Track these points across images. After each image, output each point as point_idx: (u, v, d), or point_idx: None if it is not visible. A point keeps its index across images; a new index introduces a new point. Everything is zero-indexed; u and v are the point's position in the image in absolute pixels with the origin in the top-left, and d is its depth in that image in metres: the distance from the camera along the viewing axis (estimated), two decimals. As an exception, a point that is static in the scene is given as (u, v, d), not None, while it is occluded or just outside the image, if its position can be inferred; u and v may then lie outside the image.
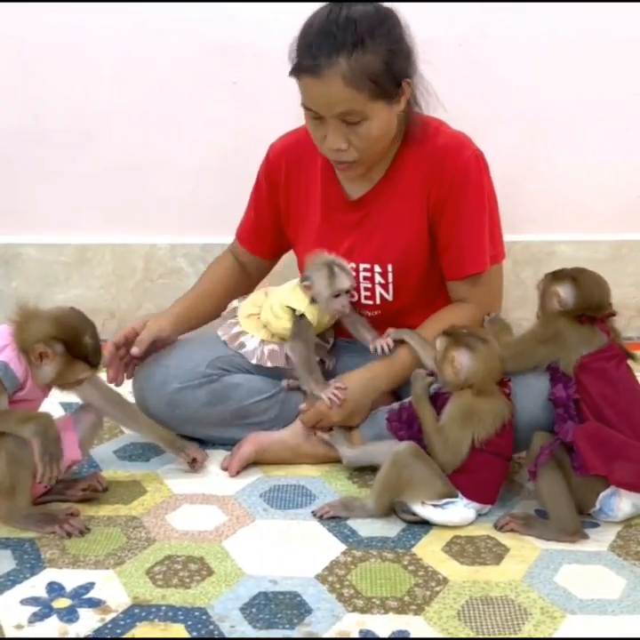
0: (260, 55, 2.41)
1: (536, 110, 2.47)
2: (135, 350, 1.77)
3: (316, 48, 1.59)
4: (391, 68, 1.62)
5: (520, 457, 1.76)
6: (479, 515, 1.56)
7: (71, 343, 1.52)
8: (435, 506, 1.51)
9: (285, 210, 1.89)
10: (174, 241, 2.59)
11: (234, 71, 2.46)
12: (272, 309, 1.79)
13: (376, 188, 1.78)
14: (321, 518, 1.56)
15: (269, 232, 1.94)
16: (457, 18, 2.41)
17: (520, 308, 2.56)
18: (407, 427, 1.60)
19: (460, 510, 1.52)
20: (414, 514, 1.53)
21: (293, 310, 1.76)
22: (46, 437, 1.47)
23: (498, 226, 1.81)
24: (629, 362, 1.62)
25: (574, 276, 1.61)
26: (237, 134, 2.45)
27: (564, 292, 1.60)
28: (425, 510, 1.52)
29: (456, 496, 1.52)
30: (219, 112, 2.49)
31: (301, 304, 1.75)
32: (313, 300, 1.75)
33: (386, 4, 1.67)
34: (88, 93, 2.50)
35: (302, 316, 1.75)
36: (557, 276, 1.63)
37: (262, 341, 1.80)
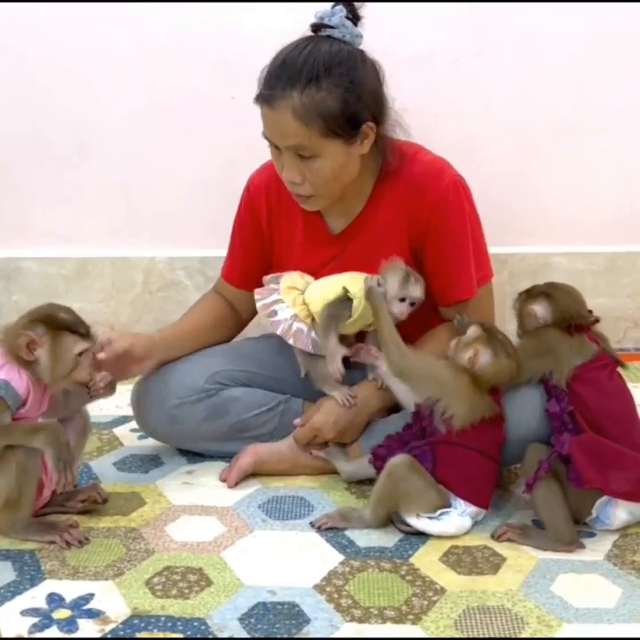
0: (258, 70, 2.43)
1: (532, 124, 2.50)
2: (101, 355, 1.67)
3: (274, 79, 1.61)
4: (347, 109, 1.61)
5: (516, 467, 1.78)
6: (474, 523, 1.56)
7: (48, 321, 1.52)
8: (430, 518, 1.52)
9: (269, 240, 1.87)
10: (173, 254, 2.61)
11: (232, 86, 2.48)
12: (323, 288, 1.74)
13: (355, 222, 1.78)
14: (319, 529, 1.57)
15: (257, 265, 1.89)
16: (451, 34, 2.43)
17: (515, 319, 2.58)
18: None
19: (455, 520, 1.53)
20: (410, 525, 1.54)
21: (346, 293, 1.71)
22: (58, 445, 1.48)
23: (483, 247, 1.81)
24: (620, 369, 1.63)
25: (547, 292, 1.64)
26: (236, 148, 2.46)
27: (541, 309, 1.63)
28: (420, 522, 1.53)
29: (450, 506, 1.53)
30: (217, 126, 2.52)
31: (357, 292, 1.70)
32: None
33: (365, 42, 1.67)
34: (88, 107, 2.53)
35: (348, 300, 1.70)
36: (531, 295, 1.66)
37: (294, 316, 1.75)
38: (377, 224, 1.76)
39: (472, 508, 1.54)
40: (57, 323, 1.52)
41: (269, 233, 1.87)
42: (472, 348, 1.58)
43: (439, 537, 1.53)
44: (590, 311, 1.65)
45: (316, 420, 1.74)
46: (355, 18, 1.67)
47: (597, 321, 1.65)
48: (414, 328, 1.79)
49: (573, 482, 1.48)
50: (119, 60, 2.51)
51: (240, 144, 2.47)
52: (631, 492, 1.49)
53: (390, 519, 1.58)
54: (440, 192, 1.71)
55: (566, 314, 1.61)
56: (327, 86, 1.59)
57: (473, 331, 1.61)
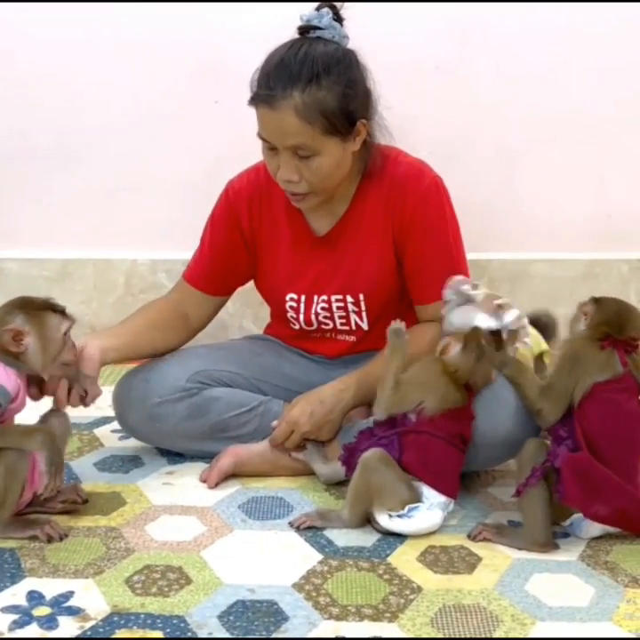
0: (241, 75, 2.45)
1: (512, 133, 2.54)
2: (91, 372, 1.68)
3: (272, 80, 1.62)
4: (345, 107, 1.64)
5: (494, 470, 1.81)
6: (451, 523, 1.59)
7: (26, 307, 1.52)
8: (400, 516, 1.54)
9: (252, 247, 1.88)
10: (155, 256, 2.62)
11: (216, 90, 2.50)
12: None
13: (340, 224, 1.81)
14: (297, 528, 1.59)
15: (225, 270, 1.90)
16: (434, 42, 2.47)
17: (496, 324, 2.61)
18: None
19: (425, 514, 1.55)
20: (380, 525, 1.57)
21: None
22: (53, 449, 1.49)
23: (461, 247, 1.83)
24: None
25: (598, 298, 1.62)
26: (219, 151, 2.49)
27: (589, 308, 1.60)
28: (393, 523, 1.55)
29: (420, 501, 1.55)
30: (201, 129, 2.54)
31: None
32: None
33: (349, 46, 1.69)
34: (71, 110, 2.55)
35: None
36: (582, 303, 1.64)
37: None
38: (361, 225, 1.79)
39: (440, 499, 1.56)
40: (36, 306, 1.52)
41: (252, 239, 1.88)
42: (447, 340, 1.63)
43: (417, 537, 1.55)
44: (635, 337, 1.58)
45: (292, 413, 1.76)
46: (339, 20, 1.70)
47: (637, 346, 1.57)
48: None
49: (558, 493, 1.50)
50: (103, 65, 2.53)
51: (223, 147, 2.50)
52: (608, 517, 1.50)
53: (368, 519, 1.60)
54: (422, 192, 1.75)
55: (606, 318, 1.57)
56: (327, 85, 1.62)
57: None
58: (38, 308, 1.53)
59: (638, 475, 1.55)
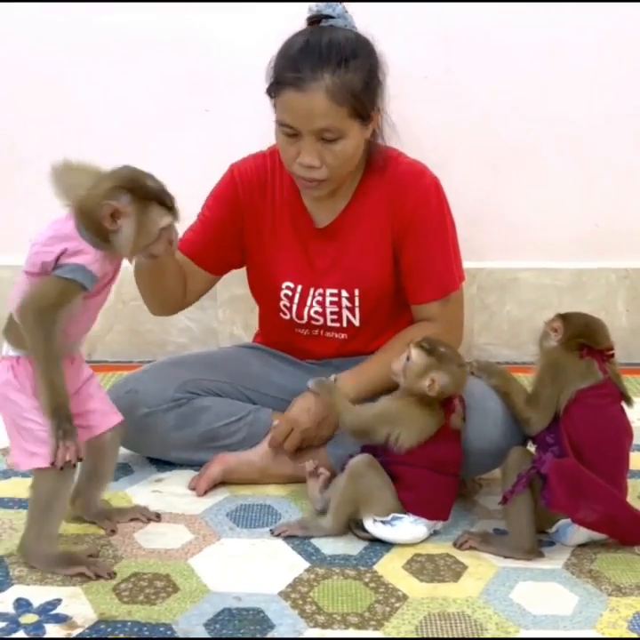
0: (231, 84, 2.48)
1: (498, 143, 2.56)
2: None
3: (300, 63, 1.62)
4: (369, 91, 1.67)
5: (481, 479, 1.82)
6: (435, 532, 1.60)
7: (135, 189, 1.42)
8: (384, 523, 1.56)
9: (240, 228, 1.86)
10: (146, 264, 2.63)
11: (206, 99, 2.52)
12: None
13: (342, 216, 1.82)
14: (278, 536, 1.60)
15: (216, 247, 1.87)
16: (422, 52, 2.49)
17: (485, 332, 2.64)
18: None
19: (408, 527, 1.56)
20: (367, 531, 1.58)
21: None
22: (59, 418, 1.41)
23: (458, 247, 1.85)
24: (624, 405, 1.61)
25: (564, 315, 1.63)
26: (209, 160, 2.47)
27: (557, 324, 1.61)
28: (376, 528, 1.56)
29: (404, 512, 1.56)
30: (191, 138, 2.55)
31: None
32: None
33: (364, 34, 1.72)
34: (63, 120, 2.55)
35: None
36: (550, 321, 1.65)
37: None
38: (362, 219, 1.80)
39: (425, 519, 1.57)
40: (144, 193, 1.43)
41: (249, 222, 1.86)
42: (427, 377, 1.57)
43: (403, 545, 1.57)
44: (610, 346, 1.63)
45: (291, 412, 1.76)
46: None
47: (612, 355, 1.61)
48: (385, 325, 1.84)
49: (544, 499, 1.51)
50: (94, 73, 2.54)
51: (214, 156, 2.49)
52: (595, 522, 1.52)
53: (349, 527, 1.61)
54: (422, 191, 1.77)
55: (577, 331, 1.59)
56: (354, 68, 1.63)
57: (418, 356, 1.58)
58: (146, 196, 1.43)
59: (624, 480, 1.57)
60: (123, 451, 1.92)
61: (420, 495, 1.56)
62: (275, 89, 1.66)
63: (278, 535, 1.60)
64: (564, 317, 1.62)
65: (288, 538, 1.60)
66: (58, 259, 1.41)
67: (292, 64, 1.63)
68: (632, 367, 2.61)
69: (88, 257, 1.42)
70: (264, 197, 1.85)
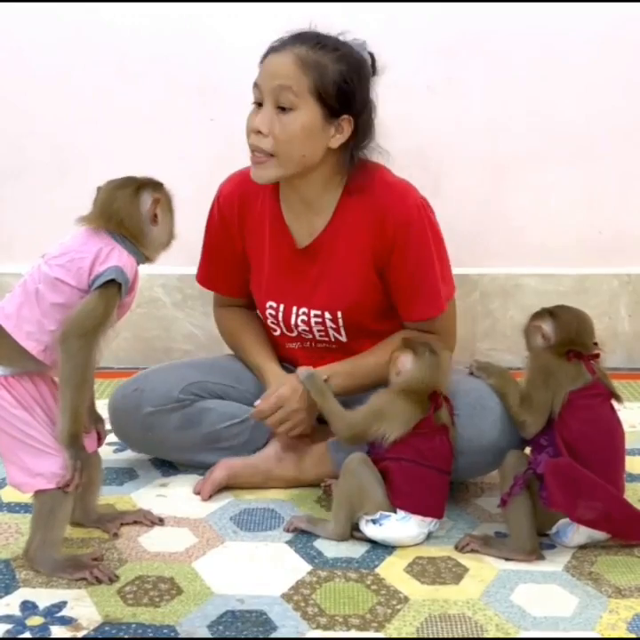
0: (236, 93, 2.49)
1: (501, 150, 2.57)
2: None
3: (286, 39, 1.71)
4: (341, 86, 1.67)
5: (483, 482, 1.83)
6: (435, 536, 1.61)
7: (156, 185, 1.51)
8: (374, 522, 1.57)
9: (241, 248, 1.90)
10: (152, 271, 2.62)
11: (211, 108, 2.54)
12: None
13: (321, 236, 1.80)
14: (287, 531, 1.63)
15: (226, 271, 1.95)
16: (425, 63, 2.51)
17: (488, 338, 2.65)
18: None
19: (396, 525, 1.57)
20: (360, 531, 1.60)
21: None
22: (74, 449, 1.44)
23: (447, 263, 1.83)
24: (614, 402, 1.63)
25: (553, 312, 1.65)
26: (214, 168, 2.51)
27: (546, 326, 1.63)
28: (367, 528, 1.58)
29: (394, 510, 1.57)
30: (196, 147, 2.57)
31: None
32: None
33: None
34: (69, 127, 2.59)
35: None
36: (537, 314, 1.67)
37: None
38: (341, 240, 1.79)
39: (415, 515, 1.58)
40: (159, 185, 1.51)
41: (241, 241, 1.90)
42: (393, 360, 1.64)
43: (405, 548, 1.58)
44: (596, 343, 1.65)
45: (283, 390, 1.76)
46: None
47: (598, 355, 1.63)
48: (375, 333, 1.84)
49: (542, 500, 1.52)
50: (101, 82, 2.57)
51: (219, 165, 2.52)
52: (594, 520, 1.53)
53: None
54: (404, 214, 1.74)
55: (568, 337, 1.61)
56: (334, 58, 1.68)
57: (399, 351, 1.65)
58: (161, 187, 1.51)
59: (621, 478, 1.59)
60: (128, 455, 1.96)
61: (405, 488, 1.57)
62: (262, 58, 1.72)
63: (287, 530, 1.63)
64: (554, 318, 1.63)
65: (294, 533, 1.63)
66: (93, 265, 1.42)
67: (280, 39, 1.71)
68: (635, 372, 2.63)
69: (123, 257, 1.45)
70: (251, 214, 1.87)
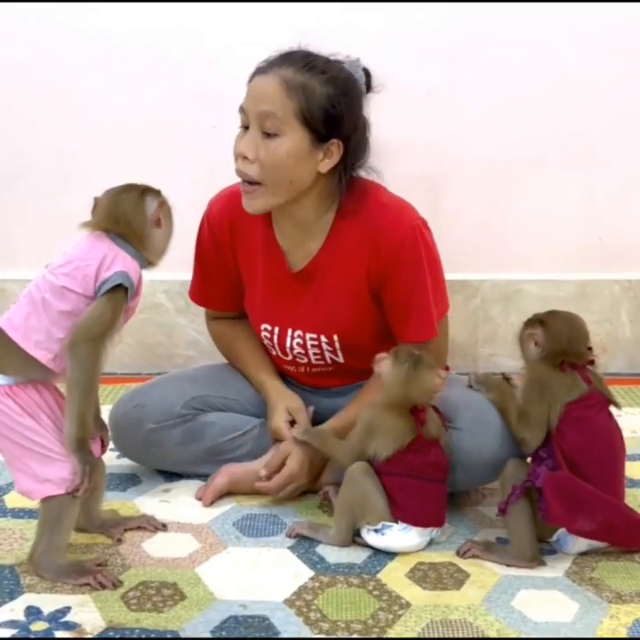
0: (238, 101, 2.50)
1: (501, 156, 2.58)
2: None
3: (273, 60, 1.68)
4: (330, 111, 1.64)
5: (484, 488, 1.84)
6: (437, 542, 1.62)
7: (155, 192, 1.54)
8: (376, 531, 1.58)
9: (234, 265, 1.88)
10: (154, 277, 2.62)
11: (213, 115, 2.56)
12: None
13: (315, 260, 1.77)
14: (289, 537, 1.64)
15: (227, 288, 1.92)
16: (425, 68, 2.52)
17: (489, 343, 2.66)
18: None
19: (398, 535, 1.58)
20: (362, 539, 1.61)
21: None
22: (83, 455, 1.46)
23: (442, 285, 1.82)
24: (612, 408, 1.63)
25: (543, 320, 1.63)
26: (216, 175, 2.51)
27: (537, 333, 1.62)
28: (369, 537, 1.59)
29: (395, 521, 1.58)
30: (198, 153, 2.59)
31: None
32: None
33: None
34: (72, 134, 2.60)
35: None
36: (528, 322, 1.66)
37: None
38: (336, 264, 1.76)
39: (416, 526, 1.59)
40: (158, 190, 1.54)
41: (234, 259, 1.87)
42: (376, 361, 1.64)
43: (406, 554, 1.59)
44: (590, 348, 1.63)
45: (291, 466, 1.75)
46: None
47: (592, 362, 1.62)
48: (372, 351, 1.79)
49: (541, 512, 1.53)
50: (104, 88, 2.58)
51: (221, 171, 2.53)
52: (593, 531, 1.54)
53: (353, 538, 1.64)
54: (398, 237, 1.70)
55: (560, 348, 1.60)
56: (321, 80, 1.64)
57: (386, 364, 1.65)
58: (161, 193, 1.54)
59: (621, 485, 1.60)
60: (131, 462, 1.96)
61: (404, 503, 1.58)
62: (249, 78, 1.70)
63: (289, 536, 1.64)
64: (544, 326, 1.62)
65: (296, 539, 1.64)
66: (98, 272, 1.44)
67: (267, 60, 1.69)
68: (636, 377, 2.64)
69: (127, 262, 1.47)
70: (241, 234, 1.84)
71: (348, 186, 1.73)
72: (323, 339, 1.81)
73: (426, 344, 1.75)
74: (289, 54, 1.68)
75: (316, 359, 1.85)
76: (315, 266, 1.78)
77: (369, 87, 1.74)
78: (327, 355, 1.83)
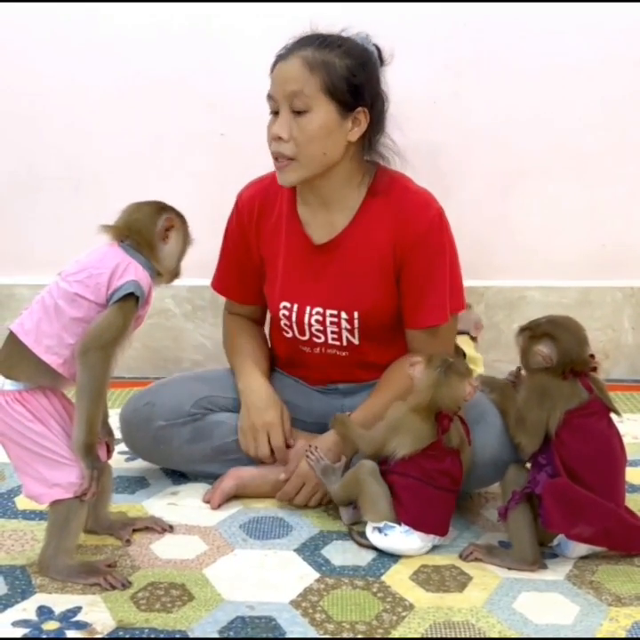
0: (246, 109, 2.54)
1: (506, 165, 2.61)
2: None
3: (291, 44, 1.76)
4: (351, 79, 1.71)
5: (487, 492, 1.87)
6: (438, 547, 1.65)
7: (174, 209, 1.59)
8: (379, 530, 1.61)
9: (258, 253, 1.93)
10: (162, 282, 2.69)
11: (222, 124, 2.59)
12: None
13: (342, 235, 1.83)
14: (464, 559, 1.61)
15: (250, 278, 1.97)
16: (431, 78, 2.55)
17: (493, 349, 2.68)
18: None
19: (399, 537, 1.61)
20: (366, 538, 1.64)
21: None
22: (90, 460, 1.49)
23: (458, 279, 1.86)
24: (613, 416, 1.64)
25: (552, 334, 1.62)
26: (224, 182, 2.54)
27: (546, 350, 1.61)
28: (373, 536, 1.63)
29: (398, 523, 1.61)
30: (207, 161, 2.62)
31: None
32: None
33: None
34: (81, 144, 2.64)
35: None
36: (535, 334, 1.64)
37: None
38: (364, 241, 1.81)
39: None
40: (180, 213, 1.59)
41: (258, 248, 1.92)
42: (415, 359, 1.68)
43: (410, 557, 1.62)
44: (592, 355, 1.65)
45: (303, 467, 1.79)
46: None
47: (595, 369, 1.64)
48: (385, 341, 1.87)
49: (541, 518, 1.56)
50: (113, 97, 2.61)
51: (229, 179, 2.57)
52: (591, 537, 1.56)
53: (348, 529, 1.69)
54: (426, 223, 1.78)
55: (567, 358, 1.61)
56: (339, 54, 1.72)
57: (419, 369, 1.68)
58: (182, 216, 1.60)
59: (621, 492, 1.62)
60: (140, 464, 1.99)
61: (410, 505, 1.61)
62: (271, 68, 1.76)
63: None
64: (555, 342, 1.61)
65: (302, 549, 1.65)
66: (111, 280, 1.47)
67: (285, 46, 1.76)
68: (638, 383, 2.66)
69: (139, 271, 1.51)
70: (269, 219, 1.90)
71: (379, 168, 1.82)
72: (343, 315, 1.83)
73: (435, 335, 1.81)
74: (304, 38, 1.76)
75: (333, 338, 1.86)
76: (339, 240, 1.84)
77: (382, 60, 1.81)
78: (344, 334, 1.85)
